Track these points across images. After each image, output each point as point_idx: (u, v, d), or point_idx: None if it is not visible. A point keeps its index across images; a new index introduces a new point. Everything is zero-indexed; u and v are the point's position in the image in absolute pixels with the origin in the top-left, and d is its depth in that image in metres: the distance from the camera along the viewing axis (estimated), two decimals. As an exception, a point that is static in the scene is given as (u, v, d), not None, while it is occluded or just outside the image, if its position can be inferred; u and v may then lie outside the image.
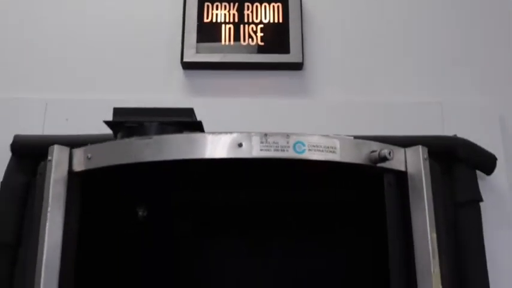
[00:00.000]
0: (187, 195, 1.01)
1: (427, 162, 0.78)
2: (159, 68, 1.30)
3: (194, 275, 1.06)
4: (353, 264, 1.02)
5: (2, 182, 1.11)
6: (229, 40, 1.30)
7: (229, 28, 1.31)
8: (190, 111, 0.87)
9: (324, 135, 0.74)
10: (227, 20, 1.31)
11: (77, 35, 1.32)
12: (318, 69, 1.31)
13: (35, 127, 1.19)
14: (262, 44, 1.29)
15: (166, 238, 1.05)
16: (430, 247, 0.74)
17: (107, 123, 0.86)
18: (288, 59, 1.28)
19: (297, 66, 1.29)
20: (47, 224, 0.74)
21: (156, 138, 0.74)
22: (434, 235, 0.74)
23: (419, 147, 0.78)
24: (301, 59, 1.28)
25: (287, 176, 0.88)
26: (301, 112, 1.23)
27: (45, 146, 0.78)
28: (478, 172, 1.15)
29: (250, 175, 0.86)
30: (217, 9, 1.32)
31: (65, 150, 0.78)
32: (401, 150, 0.79)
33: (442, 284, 0.73)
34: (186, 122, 0.86)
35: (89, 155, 0.77)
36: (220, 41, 1.29)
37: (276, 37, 1.30)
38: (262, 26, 1.31)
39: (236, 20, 1.31)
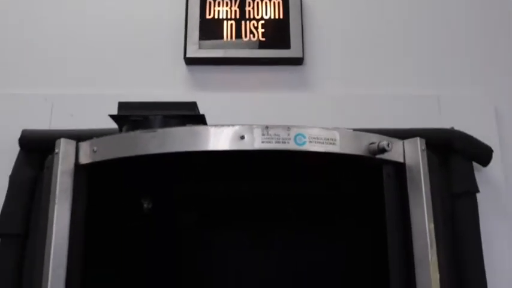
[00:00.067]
0: (190, 187, 1.02)
1: (425, 154, 0.79)
2: (162, 64, 1.31)
3: (197, 266, 1.07)
4: (353, 254, 1.03)
5: (10, 176, 1.12)
6: (231, 36, 1.31)
7: (231, 24, 1.32)
8: (193, 105, 0.88)
9: (324, 128, 0.75)
10: (229, 17, 1.32)
11: (78, 35, 1.33)
12: (318, 63, 1.32)
13: (42, 122, 1.20)
14: (264, 39, 1.31)
15: (170, 230, 1.06)
16: (428, 237, 0.74)
17: (113, 117, 0.87)
18: (289, 54, 1.30)
19: (298, 61, 1.31)
20: (55, 214, 0.75)
21: (161, 131, 0.75)
22: (432, 225, 0.75)
23: (417, 139, 0.79)
24: (302, 54, 1.29)
25: (288, 168, 0.89)
26: (301, 106, 1.25)
27: (52, 140, 0.79)
28: (475, 164, 1.16)
29: (252, 167, 0.87)
30: (219, 6, 1.33)
31: (72, 143, 0.79)
32: (400, 142, 0.80)
33: (440, 272, 0.74)
34: (189, 115, 0.87)
35: (95, 148, 0.78)
36: (223, 37, 1.31)
37: (277, 33, 1.31)
38: (263, 22, 1.32)
39: (238, 17, 1.32)
